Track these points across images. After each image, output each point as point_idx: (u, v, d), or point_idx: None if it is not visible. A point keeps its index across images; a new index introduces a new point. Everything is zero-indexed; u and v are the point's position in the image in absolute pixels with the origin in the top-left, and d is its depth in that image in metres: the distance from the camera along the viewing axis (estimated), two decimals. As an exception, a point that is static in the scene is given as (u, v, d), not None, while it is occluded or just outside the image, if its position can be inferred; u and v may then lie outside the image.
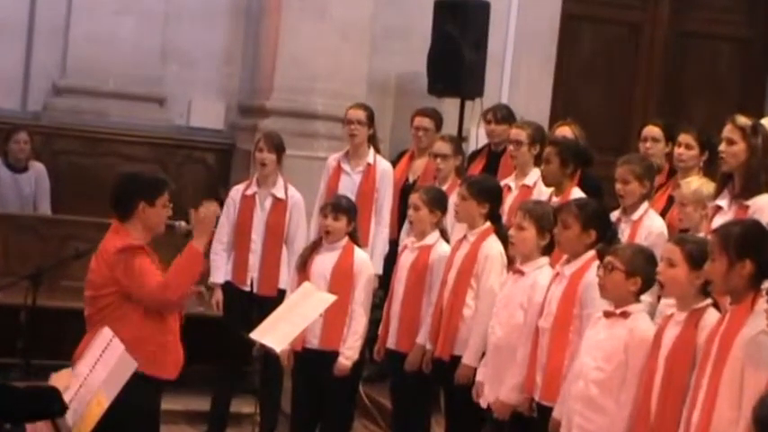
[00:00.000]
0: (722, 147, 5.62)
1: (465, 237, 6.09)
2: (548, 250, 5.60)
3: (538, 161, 6.85)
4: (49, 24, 9.21)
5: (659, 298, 5.27)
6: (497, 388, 5.51)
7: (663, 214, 6.17)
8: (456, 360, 5.88)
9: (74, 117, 9.14)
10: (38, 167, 8.79)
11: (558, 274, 5.33)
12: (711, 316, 4.45)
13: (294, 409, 6.84)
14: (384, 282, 7.11)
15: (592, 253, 5.17)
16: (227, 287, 7.35)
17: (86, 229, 7.85)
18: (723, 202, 5.56)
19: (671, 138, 6.66)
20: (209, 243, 5.73)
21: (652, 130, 6.88)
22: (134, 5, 9.16)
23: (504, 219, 6.26)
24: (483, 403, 5.64)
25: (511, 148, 7.13)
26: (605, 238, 5.26)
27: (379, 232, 7.65)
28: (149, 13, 9.21)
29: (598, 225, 5.28)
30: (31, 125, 9.01)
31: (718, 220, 5.33)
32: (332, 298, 5.96)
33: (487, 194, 6.09)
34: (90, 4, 9.11)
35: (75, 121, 9.13)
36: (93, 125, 9.14)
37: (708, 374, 4.15)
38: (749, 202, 5.42)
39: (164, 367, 5.03)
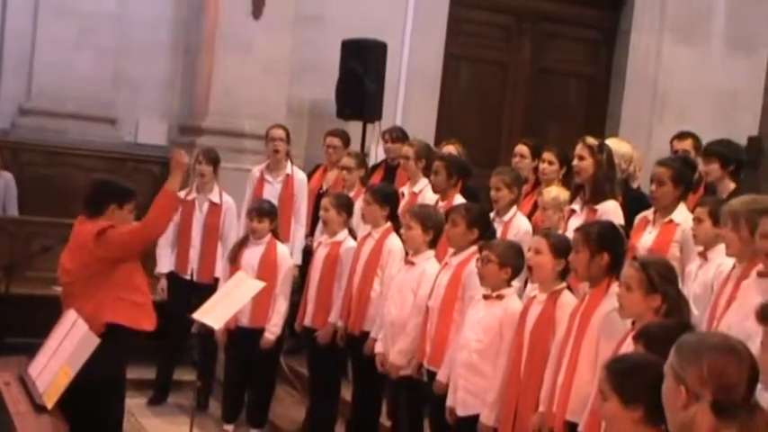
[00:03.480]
0: (574, 162, 5.69)
1: (370, 234, 6.11)
2: (433, 245, 5.63)
3: (424, 172, 6.93)
4: (16, 56, 9.01)
5: (526, 283, 5.39)
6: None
7: (530, 216, 6.24)
8: (364, 335, 5.90)
9: (38, 134, 8.95)
10: (6, 176, 8.60)
11: (446, 263, 5.38)
12: (567, 296, 4.56)
13: (227, 377, 6.84)
14: (302, 270, 7.13)
15: (474, 248, 5.21)
16: (171, 276, 7.33)
17: (49, 228, 7.73)
18: (577, 206, 5.65)
19: (537, 155, 6.70)
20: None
21: (521, 149, 6.92)
22: (90, 40, 8.98)
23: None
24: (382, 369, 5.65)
25: (402, 162, 7.19)
26: (486, 235, 5.32)
27: (298, 230, 7.66)
28: (103, 47, 9.05)
29: (481, 225, 5.34)
30: (0, 141, 8.82)
31: (574, 222, 5.44)
32: (261, 285, 5.95)
33: (388, 199, 6.12)
34: (51, 39, 8.93)
35: (38, 137, 8.94)
36: (54, 141, 8.95)
37: (571, 344, 4.23)
38: (597, 207, 5.51)
39: (144, 320, 4.91)
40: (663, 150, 7.41)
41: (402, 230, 5.77)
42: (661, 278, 3.86)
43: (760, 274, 4.09)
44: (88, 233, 4.89)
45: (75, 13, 8.94)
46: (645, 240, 5.28)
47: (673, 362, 2.59)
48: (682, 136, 6.72)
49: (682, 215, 5.29)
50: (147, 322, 4.99)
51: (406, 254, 5.78)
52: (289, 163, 7.77)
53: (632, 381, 2.85)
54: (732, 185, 5.83)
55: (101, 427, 4.80)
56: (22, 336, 6.26)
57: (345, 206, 6.39)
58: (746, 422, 2.41)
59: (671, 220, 5.28)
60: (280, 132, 7.73)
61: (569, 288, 4.64)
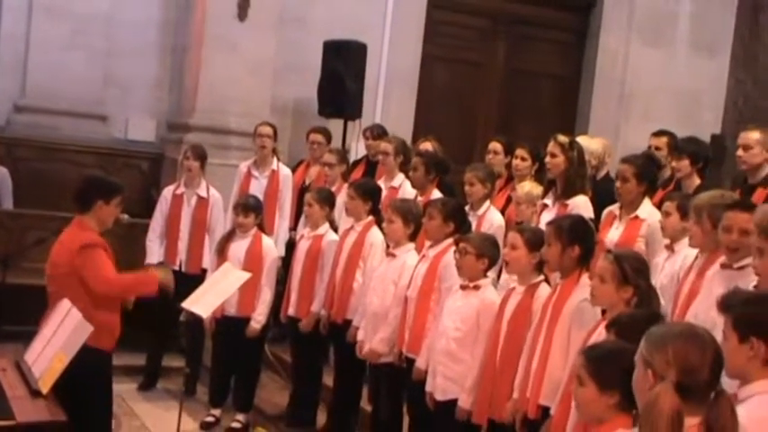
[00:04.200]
0: (547, 159, 5.72)
1: (352, 227, 6.10)
2: (413, 237, 5.63)
3: (402, 168, 6.92)
4: (11, 56, 8.92)
5: (499, 274, 5.39)
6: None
7: (503, 211, 6.24)
8: (347, 323, 5.90)
9: (32, 131, 8.87)
10: (2, 171, 8.51)
11: (423, 255, 5.38)
12: (544, 289, 4.56)
13: (214, 363, 6.82)
14: (285, 262, 7.11)
15: (450, 240, 5.22)
16: (159, 267, 7.28)
17: (43, 221, 7.66)
18: (549, 201, 5.67)
19: (510, 151, 6.68)
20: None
21: (495, 145, 6.90)
22: (82, 41, 8.92)
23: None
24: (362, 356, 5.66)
25: (381, 157, 7.18)
26: (462, 229, 5.30)
27: (282, 224, 7.63)
28: (94, 47, 8.99)
29: (456, 218, 5.33)
30: (-4, 137, 8.79)
31: (546, 216, 5.46)
32: (247, 275, 5.92)
33: (370, 194, 6.12)
34: (44, 40, 8.86)
35: (33, 133, 8.86)
36: (48, 137, 8.88)
37: (544, 332, 4.24)
38: (568, 202, 5.54)
39: (104, 341, 4.79)
40: (630, 147, 7.43)
41: (384, 224, 5.76)
42: (634, 271, 3.87)
43: (723, 266, 4.13)
44: (77, 240, 4.83)
45: (67, 15, 8.87)
46: (612, 236, 5.30)
47: (642, 350, 2.62)
48: (659, 134, 6.72)
49: (646, 211, 5.32)
50: (108, 343, 4.92)
51: (388, 246, 5.78)
52: (275, 159, 7.74)
53: (609, 367, 2.87)
54: (697, 181, 5.87)
55: (91, 409, 4.77)
56: (18, 324, 6.23)
57: (327, 200, 6.39)
58: (712, 407, 2.44)
59: (636, 216, 5.31)
60: (267, 129, 7.71)
61: (546, 280, 4.63)
